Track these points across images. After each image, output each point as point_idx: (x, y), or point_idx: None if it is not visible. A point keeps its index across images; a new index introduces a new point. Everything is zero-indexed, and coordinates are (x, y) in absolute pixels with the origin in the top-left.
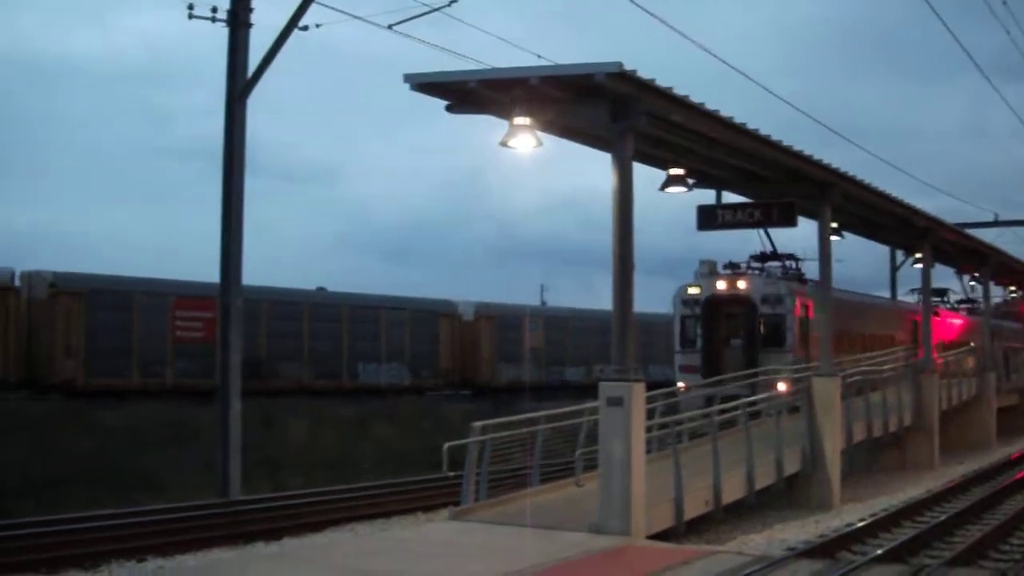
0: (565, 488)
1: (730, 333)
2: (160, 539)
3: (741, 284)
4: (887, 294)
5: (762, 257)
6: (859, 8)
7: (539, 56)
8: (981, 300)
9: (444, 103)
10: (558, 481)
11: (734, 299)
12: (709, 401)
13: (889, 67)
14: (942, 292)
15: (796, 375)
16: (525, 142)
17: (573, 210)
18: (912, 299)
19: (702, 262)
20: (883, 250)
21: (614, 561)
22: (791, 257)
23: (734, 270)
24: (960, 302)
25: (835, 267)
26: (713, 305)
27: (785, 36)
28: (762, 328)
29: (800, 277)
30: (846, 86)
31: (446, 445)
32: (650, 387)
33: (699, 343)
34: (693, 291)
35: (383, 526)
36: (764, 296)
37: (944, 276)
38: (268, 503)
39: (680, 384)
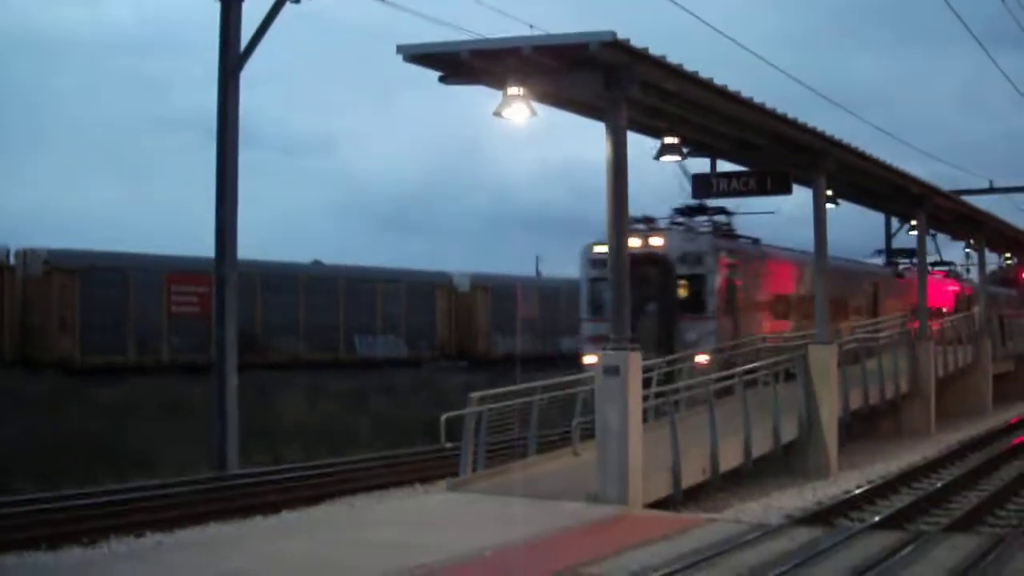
0: (562, 458)
1: (645, 298)
2: (159, 514)
3: (656, 241)
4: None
5: (688, 210)
6: None
7: (531, 26)
8: (960, 264)
9: (438, 74)
10: (556, 451)
11: (648, 258)
12: None
13: (884, 35)
14: (910, 253)
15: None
16: (519, 112)
17: (568, 180)
18: (878, 261)
19: (636, 217)
20: (878, 217)
21: (612, 530)
22: (721, 211)
23: (649, 224)
24: (933, 264)
25: (789, 226)
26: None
27: (780, 5)
28: (680, 292)
29: (730, 233)
30: (841, 55)
31: (443, 416)
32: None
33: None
34: (600, 249)
35: (381, 498)
36: (682, 255)
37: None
38: (265, 477)
39: (586, 359)
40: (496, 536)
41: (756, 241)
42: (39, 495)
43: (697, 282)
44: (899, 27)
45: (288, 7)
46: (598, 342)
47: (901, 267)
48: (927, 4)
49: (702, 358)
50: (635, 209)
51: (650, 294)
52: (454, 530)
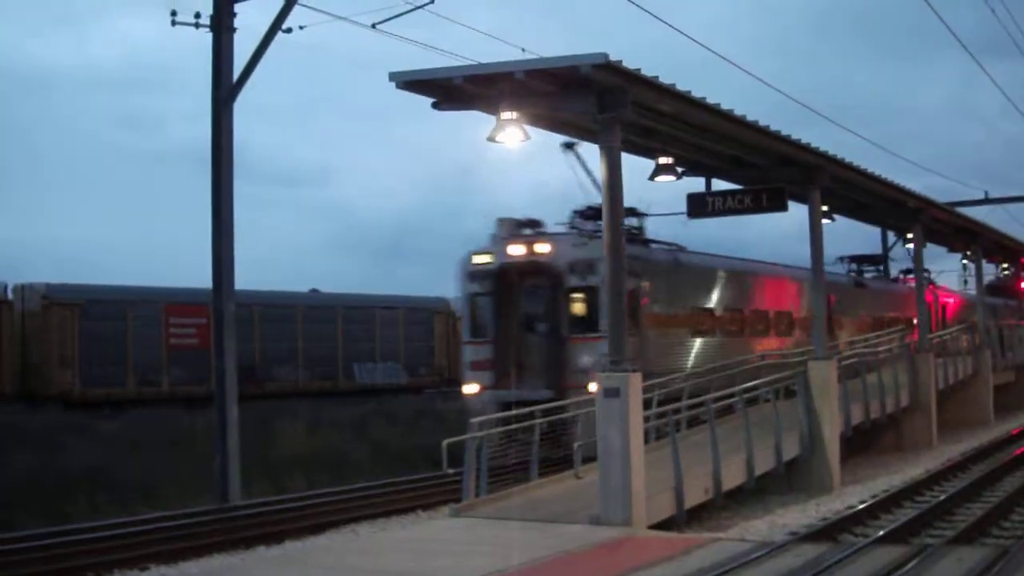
0: (565, 481)
1: (531, 316)
2: (162, 546)
3: (542, 248)
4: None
5: (591, 212)
6: None
7: (523, 50)
8: (937, 271)
9: (431, 100)
10: (558, 474)
11: (534, 269)
12: (506, 408)
13: (873, 47)
14: (876, 260)
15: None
16: (513, 136)
17: (565, 202)
18: (840, 269)
19: (500, 220)
20: (874, 230)
21: (616, 552)
22: (632, 212)
23: (535, 228)
24: (905, 272)
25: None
26: (507, 278)
27: (765, 18)
28: (573, 308)
29: (639, 237)
30: (830, 67)
31: (445, 442)
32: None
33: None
34: (482, 260)
35: (384, 526)
36: (573, 263)
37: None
38: (268, 507)
39: (467, 388)
40: (500, 561)
41: (677, 248)
42: (42, 530)
43: (589, 296)
44: (886, 39)
45: (280, 37)
46: (481, 368)
47: (870, 275)
48: (915, 15)
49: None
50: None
51: (537, 311)
52: (457, 556)
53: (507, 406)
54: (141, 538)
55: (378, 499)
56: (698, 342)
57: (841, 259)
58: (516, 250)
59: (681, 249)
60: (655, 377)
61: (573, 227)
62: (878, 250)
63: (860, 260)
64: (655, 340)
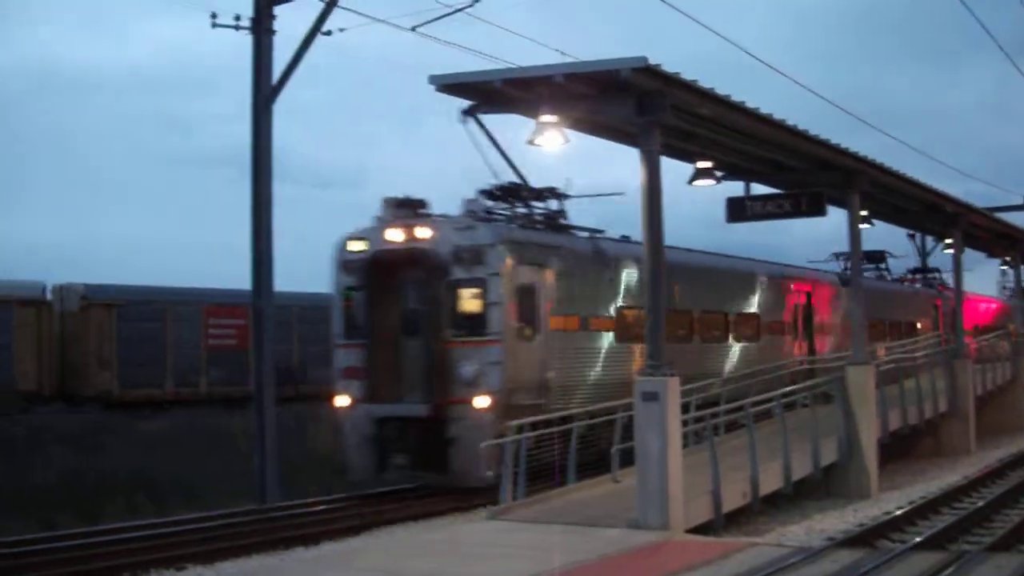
0: (603, 484)
1: (410, 315)
2: (200, 547)
3: (423, 233)
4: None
5: (502, 193)
6: None
7: (562, 53)
8: (947, 271)
9: (469, 103)
10: (596, 478)
11: (413, 257)
12: (380, 425)
13: (908, 50)
14: (877, 258)
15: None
16: (552, 140)
17: (599, 205)
18: (831, 266)
19: (386, 200)
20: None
21: (654, 556)
22: (551, 193)
23: (416, 210)
24: (914, 271)
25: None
26: (384, 268)
27: (805, 23)
28: (462, 305)
29: (553, 222)
30: (869, 71)
31: (483, 444)
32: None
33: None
34: (356, 247)
35: (422, 528)
36: (457, 251)
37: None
38: (305, 508)
39: (338, 400)
40: (538, 564)
41: (626, 238)
42: (80, 530)
43: (475, 290)
44: (922, 42)
45: (319, 39)
46: (354, 376)
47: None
48: (949, 17)
49: (482, 400)
50: (672, 238)
51: (417, 309)
52: (495, 559)
53: (380, 423)
54: (178, 538)
55: (416, 501)
56: (630, 350)
57: (836, 256)
58: (394, 235)
59: (628, 240)
60: (561, 394)
61: (471, 211)
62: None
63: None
64: (561, 346)
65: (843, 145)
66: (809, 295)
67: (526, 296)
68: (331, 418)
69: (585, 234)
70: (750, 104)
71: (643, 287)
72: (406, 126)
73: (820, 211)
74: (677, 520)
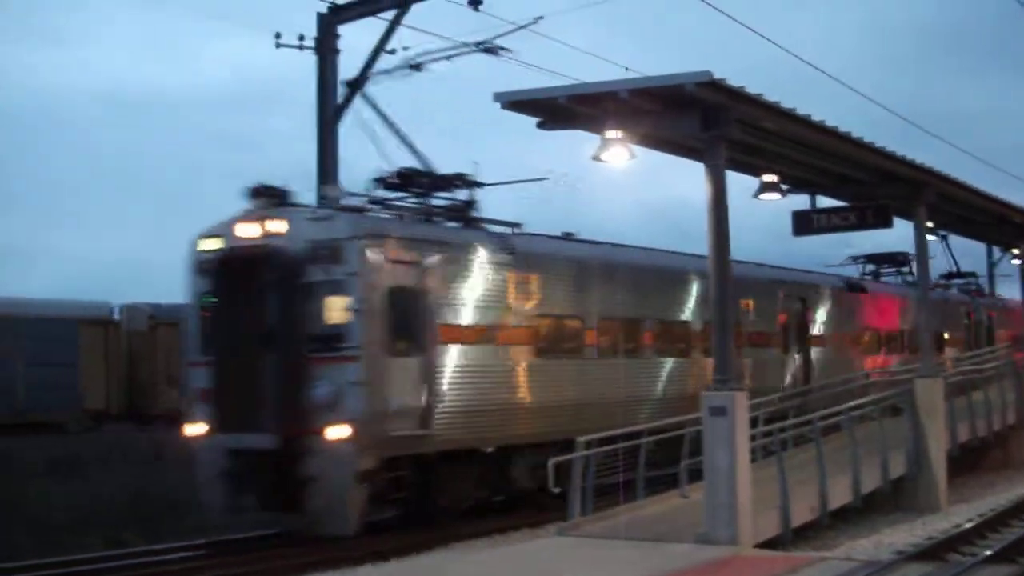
0: (671, 500)
1: (263, 325)
2: (266, 563)
3: (276, 227)
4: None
5: (402, 181)
6: (935, 5)
7: (627, 68)
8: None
9: (535, 120)
10: (664, 493)
11: (265, 256)
12: (233, 458)
13: (975, 58)
14: (899, 260)
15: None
16: (618, 155)
17: (666, 220)
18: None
19: (252, 190)
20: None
21: (722, 571)
22: (460, 180)
23: (270, 200)
24: (949, 276)
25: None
26: (236, 270)
27: (868, 33)
28: (325, 312)
29: (462, 214)
30: (932, 80)
31: (551, 460)
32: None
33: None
34: (209, 246)
35: (490, 544)
36: (313, 247)
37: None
38: (373, 525)
39: (190, 428)
40: None
41: (519, 231)
42: (148, 547)
43: (332, 295)
44: (984, 50)
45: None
46: (207, 400)
47: (884, 277)
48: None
49: (338, 431)
50: (738, 251)
51: (270, 317)
52: (568, 574)
53: (235, 455)
54: (245, 556)
55: (484, 517)
56: (554, 366)
57: (854, 259)
58: (248, 230)
59: (569, 236)
60: (459, 422)
61: (374, 201)
62: (980, 265)
63: (878, 260)
64: (451, 361)
65: (908, 156)
66: (804, 301)
67: (402, 301)
68: (184, 449)
69: (507, 229)
70: (815, 117)
71: (552, 291)
72: (467, 141)
73: (887, 223)
74: (746, 535)
